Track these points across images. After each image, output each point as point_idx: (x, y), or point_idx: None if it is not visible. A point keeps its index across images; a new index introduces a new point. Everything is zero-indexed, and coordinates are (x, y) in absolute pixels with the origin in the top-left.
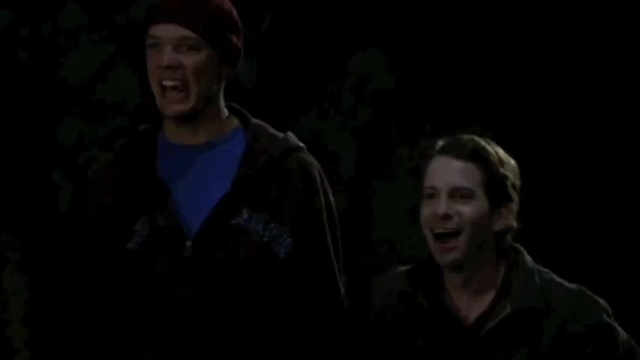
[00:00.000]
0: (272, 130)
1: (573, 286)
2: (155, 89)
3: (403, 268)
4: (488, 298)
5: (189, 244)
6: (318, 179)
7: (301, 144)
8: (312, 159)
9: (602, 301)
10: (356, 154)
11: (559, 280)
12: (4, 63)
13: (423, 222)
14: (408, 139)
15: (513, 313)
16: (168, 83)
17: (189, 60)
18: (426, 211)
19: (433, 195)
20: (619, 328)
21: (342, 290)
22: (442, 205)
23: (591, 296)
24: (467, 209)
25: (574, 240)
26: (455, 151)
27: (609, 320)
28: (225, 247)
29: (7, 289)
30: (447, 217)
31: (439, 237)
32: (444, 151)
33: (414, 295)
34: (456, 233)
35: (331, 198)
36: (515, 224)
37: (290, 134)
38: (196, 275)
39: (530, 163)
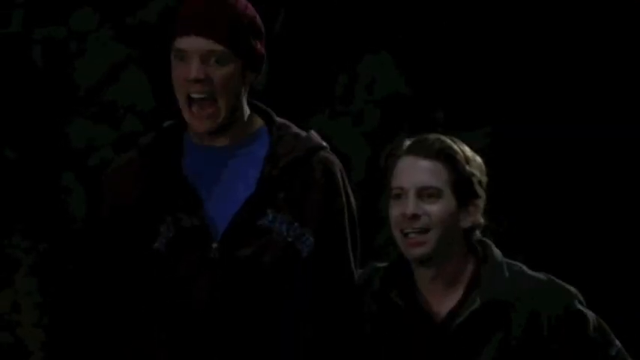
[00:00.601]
0: (296, 129)
1: (542, 276)
2: (182, 101)
3: (376, 265)
4: (458, 292)
5: (215, 245)
6: (340, 179)
7: (324, 143)
8: (334, 158)
9: (572, 288)
10: (367, 155)
11: (528, 271)
12: (16, 65)
13: (392, 222)
14: None
15: (483, 306)
16: (196, 96)
17: (218, 72)
18: (395, 211)
19: (400, 195)
20: (589, 313)
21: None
22: (410, 206)
23: (560, 284)
24: (435, 208)
25: (576, 239)
26: (421, 150)
27: (579, 306)
28: (251, 248)
29: (19, 291)
30: (415, 217)
31: (407, 234)
32: (410, 151)
33: (387, 293)
34: (423, 231)
35: (352, 198)
36: (482, 220)
37: (314, 133)
38: (222, 276)
39: (539, 162)
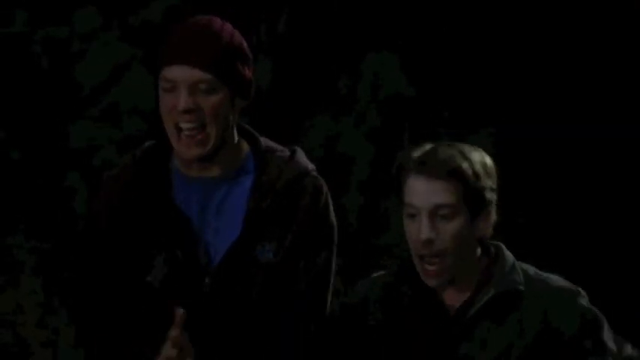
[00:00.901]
0: (280, 152)
1: (554, 276)
2: (170, 131)
3: (374, 276)
4: (471, 287)
5: (207, 280)
6: (325, 205)
7: (310, 165)
8: (320, 183)
9: (580, 289)
10: (370, 156)
11: (539, 272)
12: (20, 65)
13: (409, 242)
14: (421, 140)
15: (497, 295)
16: (185, 126)
17: (207, 102)
18: (410, 231)
19: (414, 215)
20: (599, 314)
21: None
22: (424, 230)
23: (571, 284)
24: (449, 228)
25: (581, 239)
26: (432, 171)
27: (589, 305)
28: (242, 281)
29: (22, 291)
30: (429, 241)
31: (423, 257)
32: (420, 170)
33: (398, 286)
34: (440, 254)
35: (334, 220)
36: (495, 218)
37: (299, 153)
38: (214, 309)
39: (543, 162)
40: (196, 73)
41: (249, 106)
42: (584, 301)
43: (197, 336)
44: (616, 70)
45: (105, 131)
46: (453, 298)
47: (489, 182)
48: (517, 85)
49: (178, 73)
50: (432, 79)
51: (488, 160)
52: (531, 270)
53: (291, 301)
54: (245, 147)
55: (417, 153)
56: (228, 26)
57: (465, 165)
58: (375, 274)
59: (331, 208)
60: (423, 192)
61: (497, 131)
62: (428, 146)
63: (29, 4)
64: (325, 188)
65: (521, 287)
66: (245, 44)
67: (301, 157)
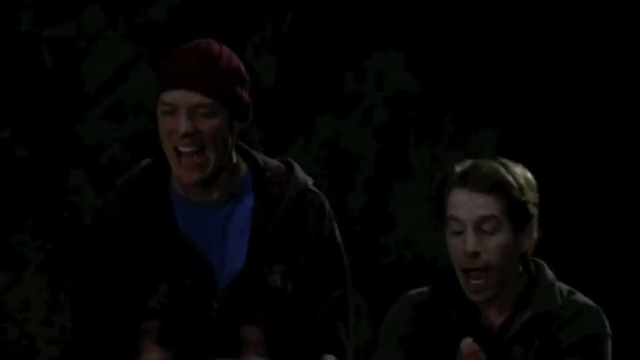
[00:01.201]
0: (277, 168)
1: (589, 302)
2: (169, 154)
3: (410, 294)
4: (510, 307)
5: (215, 305)
6: (327, 216)
7: (309, 179)
8: (323, 198)
9: (608, 326)
10: (376, 154)
11: (578, 294)
12: (26, 64)
13: (452, 257)
14: (427, 138)
15: (534, 317)
16: (185, 149)
17: (206, 126)
18: (454, 247)
19: (459, 231)
20: (609, 357)
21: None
22: (470, 243)
23: (601, 317)
24: (494, 243)
25: (586, 240)
26: (476, 184)
27: (605, 345)
28: (249, 303)
29: (28, 289)
30: (475, 254)
31: (468, 272)
32: (465, 183)
33: (440, 306)
34: (485, 269)
35: (337, 231)
36: (538, 236)
37: (297, 168)
38: (220, 334)
39: (546, 163)
40: (196, 97)
41: (255, 104)
42: (609, 341)
43: (202, 356)
44: (619, 70)
45: (111, 129)
46: (494, 317)
47: (532, 196)
48: (521, 84)
49: (178, 97)
50: (437, 78)
51: (530, 175)
52: (564, 289)
53: (308, 324)
54: (243, 167)
55: (460, 167)
56: (227, 50)
57: (509, 178)
58: (410, 293)
59: (334, 222)
60: (467, 205)
61: (500, 131)
62: (470, 161)
63: (35, 4)
64: (327, 204)
65: (558, 309)
66: (243, 66)
67: (299, 172)
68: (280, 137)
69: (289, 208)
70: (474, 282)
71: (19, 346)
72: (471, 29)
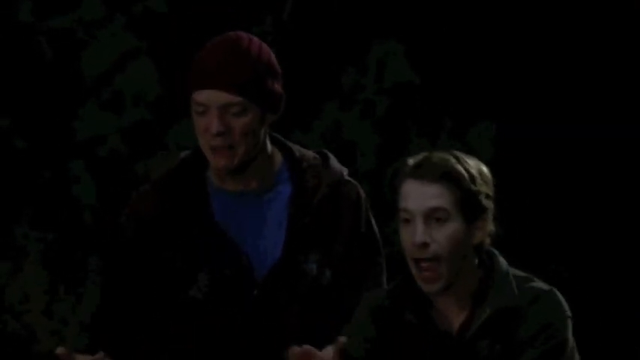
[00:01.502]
0: (313, 160)
1: (544, 286)
2: (205, 149)
3: (384, 288)
4: (469, 302)
5: (254, 294)
6: (364, 206)
7: (344, 169)
8: (358, 188)
9: (566, 307)
10: (376, 145)
11: (532, 279)
12: (25, 55)
13: (404, 248)
14: (426, 130)
15: (493, 314)
16: (218, 146)
17: (238, 124)
18: (404, 236)
19: (409, 220)
20: (571, 342)
21: None
22: (418, 233)
23: (557, 298)
24: (443, 234)
25: (580, 239)
26: (426, 174)
27: (567, 332)
28: (288, 293)
29: (28, 280)
30: (424, 245)
31: (418, 261)
32: (415, 174)
33: (398, 311)
34: (434, 259)
35: (373, 221)
36: (492, 228)
37: (332, 159)
38: (260, 323)
39: (542, 162)
40: (226, 97)
41: None
42: (568, 325)
43: (244, 351)
44: (618, 70)
45: (110, 120)
46: (453, 316)
47: (485, 188)
48: (520, 79)
49: (208, 97)
50: (436, 70)
51: (485, 169)
52: (520, 277)
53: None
54: (278, 157)
55: (413, 159)
56: (256, 42)
57: (459, 168)
58: (371, 293)
59: (369, 211)
60: (417, 196)
61: (499, 131)
62: (423, 154)
63: None
64: (362, 193)
65: (515, 302)
66: (273, 56)
67: (334, 163)
68: (280, 128)
69: (325, 199)
70: (424, 273)
71: (19, 337)
72: (471, 23)
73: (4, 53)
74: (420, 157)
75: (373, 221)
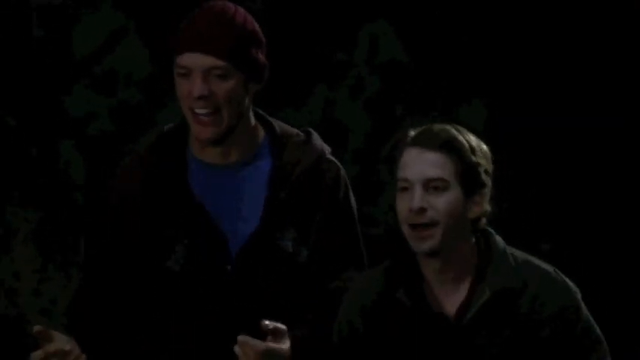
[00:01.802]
0: (296, 136)
1: (545, 265)
2: (187, 114)
3: (379, 266)
4: (466, 284)
5: (229, 267)
6: (343, 185)
7: (326, 147)
8: (339, 166)
9: (572, 283)
10: (366, 125)
11: (530, 259)
12: (15, 33)
13: (400, 216)
14: (417, 110)
15: (493, 296)
16: (200, 111)
17: (220, 88)
18: (401, 204)
19: (407, 188)
20: (585, 312)
21: None
22: (416, 199)
23: (562, 277)
24: (441, 201)
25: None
26: (426, 142)
27: (579, 303)
28: (262, 267)
29: (18, 259)
30: (421, 210)
31: (415, 227)
32: (415, 142)
33: (393, 292)
34: (431, 224)
35: (353, 201)
36: (489, 208)
37: (315, 136)
38: (235, 296)
39: (537, 151)
40: (210, 60)
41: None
42: (578, 297)
43: (218, 323)
44: (615, 66)
45: (100, 100)
46: (449, 297)
47: (485, 163)
48: (513, 55)
49: (192, 60)
50: (427, 49)
51: (484, 146)
52: (519, 256)
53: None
54: (261, 132)
55: (413, 130)
56: (242, 11)
57: (460, 138)
58: (365, 273)
59: (350, 192)
60: (416, 164)
61: (489, 102)
62: (425, 125)
63: None
64: (343, 172)
65: (517, 283)
66: (258, 27)
67: (317, 140)
68: (270, 107)
69: (305, 175)
70: (420, 230)
71: (9, 317)
72: (462, 3)
73: None
74: (422, 127)
75: (353, 201)
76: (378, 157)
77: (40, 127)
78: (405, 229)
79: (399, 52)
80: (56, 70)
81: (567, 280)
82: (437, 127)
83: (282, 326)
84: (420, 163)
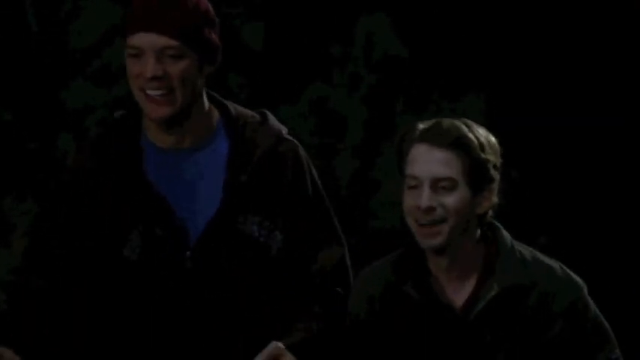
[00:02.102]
0: (251, 117)
1: (551, 261)
2: (138, 95)
3: (387, 257)
4: (473, 279)
5: (188, 254)
6: (306, 164)
7: (283, 128)
8: (298, 145)
9: (578, 278)
10: (363, 119)
11: (540, 256)
12: (12, 27)
13: (406, 211)
14: (414, 103)
15: (501, 292)
16: (153, 93)
17: (174, 68)
18: (409, 201)
19: (415, 185)
20: (592, 306)
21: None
22: (425, 198)
23: (568, 272)
24: (450, 200)
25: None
26: (435, 139)
27: (587, 298)
28: (224, 254)
29: (16, 254)
30: (430, 209)
31: (423, 224)
32: (424, 138)
33: (400, 285)
34: (439, 221)
35: (317, 180)
36: (497, 201)
37: (270, 117)
38: (196, 285)
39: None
40: (163, 40)
41: (243, 68)
42: (585, 293)
43: (180, 313)
44: (614, 65)
45: (98, 93)
46: (457, 292)
47: (493, 158)
48: (512, 54)
49: (145, 40)
50: (424, 42)
51: (493, 138)
52: (526, 252)
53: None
54: (216, 115)
55: (422, 124)
56: None
57: (470, 135)
58: (374, 265)
59: (313, 169)
60: (425, 161)
61: (488, 97)
62: (434, 120)
63: None
64: (302, 151)
65: (525, 279)
66: (211, 9)
67: (273, 121)
68: (268, 102)
69: (263, 157)
70: (427, 227)
71: (6, 311)
72: None
73: None
74: (430, 122)
75: (316, 178)
76: (377, 151)
77: (39, 120)
78: (413, 226)
79: (397, 46)
80: (54, 63)
81: (574, 275)
82: (446, 122)
83: (273, 350)
84: (428, 161)
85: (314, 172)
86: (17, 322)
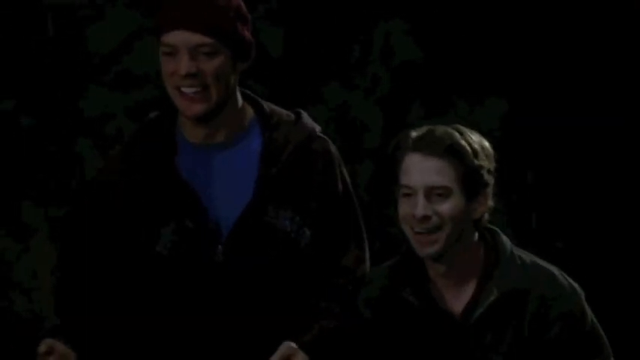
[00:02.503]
0: (286, 116)
1: (550, 267)
2: (172, 92)
3: (386, 263)
4: (472, 284)
5: (220, 248)
6: (337, 162)
7: (317, 126)
8: (329, 143)
9: (576, 285)
10: (381, 124)
11: (536, 260)
12: (31, 32)
13: (402, 219)
14: (432, 109)
15: (501, 297)
16: (187, 90)
17: (208, 66)
18: (404, 209)
19: (410, 194)
20: (589, 313)
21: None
22: (420, 207)
23: (567, 279)
24: (444, 208)
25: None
26: (428, 147)
27: (584, 305)
28: (255, 248)
29: (36, 258)
30: (425, 218)
31: (419, 233)
32: (417, 147)
33: (399, 291)
34: (435, 229)
35: (347, 179)
36: (492, 204)
37: (304, 116)
38: (227, 279)
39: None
40: (197, 38)
41: (262, 74)
42: (582, 300)
43: (211, 306)
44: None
45: (117, 99)
46: (456, 297)
47: (487, 163)
48: (514, 55)
49: (179, 37)
50: (443, 48)
51: (487, 143)
52: (525, 257)
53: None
54: (250, 111)
55: (414, 132)
56: None
57: (462, 143)
58: (372, 270)
59: (344, 168)
60: (419, 170)
61: (508, 101)
62: (426, 127)
63: None
64: (334, 149)
65: (524, 284)
66: (243, 5)
67: (307, 119)
68: (287, 107)
69: (295, 153)
70: (423, 235)
71: (27, 315)
72: (476, 2)
73: (10, 31)
74: (422, 129)
75: (347, 177)
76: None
77: (58, 126)
78: (409, 233)
79: (415, 51)
80: (73, 69)
81: (572, 281)
82: (439, 130)
83: (286, 350)
84: (422, 170)
85: (345, 171)
86: (64, 317)
